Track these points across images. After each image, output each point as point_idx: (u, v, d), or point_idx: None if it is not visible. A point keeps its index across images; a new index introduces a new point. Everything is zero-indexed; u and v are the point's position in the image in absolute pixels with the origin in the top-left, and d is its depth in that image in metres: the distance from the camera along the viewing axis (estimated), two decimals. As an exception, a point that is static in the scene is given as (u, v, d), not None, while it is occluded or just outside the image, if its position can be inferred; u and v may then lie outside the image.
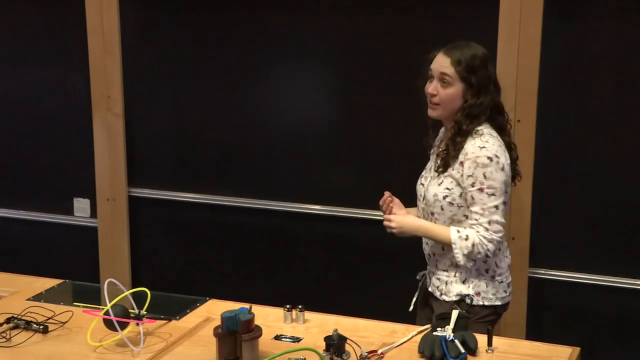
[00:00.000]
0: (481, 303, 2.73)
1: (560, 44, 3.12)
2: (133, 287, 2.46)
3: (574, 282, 3.27)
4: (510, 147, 2.74)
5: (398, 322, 2.47)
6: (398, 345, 2.28)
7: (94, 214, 3.85)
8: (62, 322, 2.38)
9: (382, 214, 2.76)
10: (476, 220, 2.64)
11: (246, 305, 2.26)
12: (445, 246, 2.73)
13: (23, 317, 2.37)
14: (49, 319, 2.38)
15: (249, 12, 3.48)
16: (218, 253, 3.75)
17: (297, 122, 3.46)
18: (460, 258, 2.65)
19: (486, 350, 2.23)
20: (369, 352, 2.20)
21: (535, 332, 3.27)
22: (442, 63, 2.69)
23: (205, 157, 3.67)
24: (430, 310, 2.78)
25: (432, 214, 2.74)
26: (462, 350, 2.17)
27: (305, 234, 3.58)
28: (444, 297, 2.74)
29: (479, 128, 2.67)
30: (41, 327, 2.33)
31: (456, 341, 2.20)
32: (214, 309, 2.50)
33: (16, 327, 2.34)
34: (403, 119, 3.30)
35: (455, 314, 2.31)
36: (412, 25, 3.28)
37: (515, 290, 3.26)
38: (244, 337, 2.10)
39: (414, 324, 2.59)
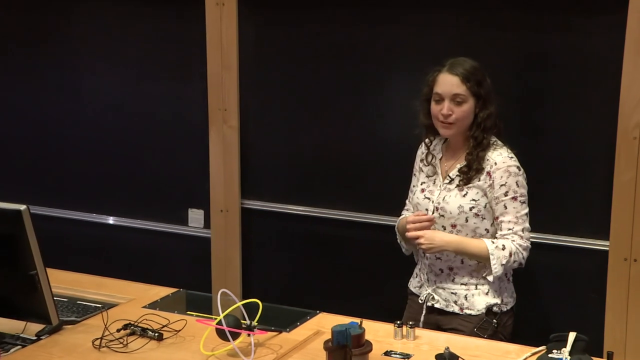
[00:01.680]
0: (505, 309, 2.77)
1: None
2: (243, 298, 2.48)
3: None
4: None
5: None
6: (512, 367, 2.22)
7: (207, 224, 3.92)
8: (176, 330, 2.42)
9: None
10: (510, 229, 2.69)
11: (357, 320, 2.25)
12: (465, 259, 2.73)
13: (139, 324, 2.42)
14: (163, 326, 2.43)
15: (364, 27, 3.48)
16: (329, 266, 3.75)
17: (411, 137, 3.43)
18: (498, 269, 2.68)
19: (606, 376, 2.15)
20: (482, 373, 2.15)
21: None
22: (452, 83, 2.73)
23: (318, 170, 3.69)
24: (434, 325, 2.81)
25: (454, 226, 2.75)
26: (580, 375, 2.09)
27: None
28: (468, 312, 2.75)
29: (493, 140, 2.77)
30: (156, 334, 2.38)
31: (573, 365, 2.12)
32: (324, 322, 2.50)
33: (133, 333, 2.40)
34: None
35: (572, 336, 2.22)
36: (532, 39, 3.20)
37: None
38: (354, 352, 2.09)
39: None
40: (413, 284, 2.97)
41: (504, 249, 2.68)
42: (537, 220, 3.16)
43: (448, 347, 2.17)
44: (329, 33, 3.56)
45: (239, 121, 3.73)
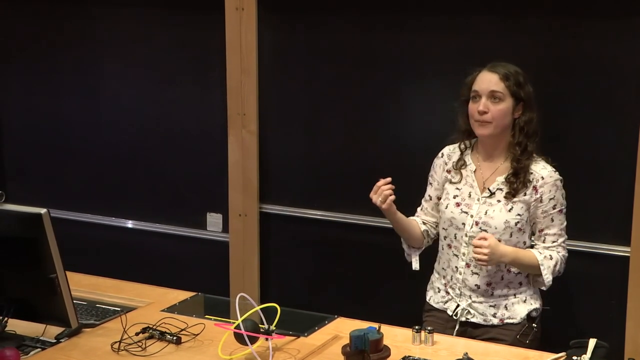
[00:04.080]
0: (540, 312, 2.81)
1: None
2: (261, 302, 2.48)
3: None
4: None
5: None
6: (531, 373, 2.21)
7: (225, 229, 3.92)
8: (194, 334, 2.42)
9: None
10: (554, 241, 2.71)
11: (375, 325, 2.24)
12: (505, 274, 2.73)
13: (158, 328, 2.43)
14: (182, 330, 2.43)
15: (383, 32, 3.48)
16: (347, 271, 3.74)
17: (431, 141, 3.42)
18: (549, 278, 2.70)
19: (626, 383, 2.13)
20: (501, 379, 2.14)
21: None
22: (490, 80, 2.70)
23: (337, 175, 3.69)
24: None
25: (498, 241, 2.70)
26: (600, 382, 2.07)
27: (435, 254, 3.52)
28: (510, 321, 2.75)
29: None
30: (174, 338, 2.38)
31: (593, 371, 2.11)
32: (342, 327, 2.49)
33: (151, 337, 2.40)
34: (542, 140, 3.21)
35: (592, 342, 2.21)
36: (553, 44, 3.19)
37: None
38: (372, 357, 2.09)
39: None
40: (435, 299, 2.90)
41: (551, 258, 2.71)
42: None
43: (467, 353, 2.16)
44: (349, 38, 3.56)
45: (257, 126, 3.73)
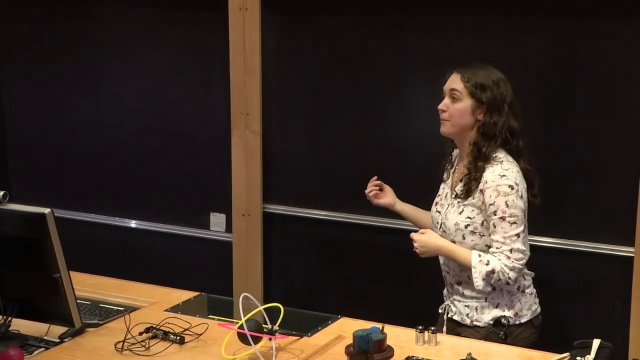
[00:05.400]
0: (518, 321, 2.73)
1: None
2: (265, 302, 2.48)
3: None
4: (526, 172, 2.72)
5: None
6: (535, 373, 2.21)
7: (229, 228, 3.92)
8: (197, 334, 2.43)
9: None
10: (497, 248, 2.65)
11: (378, 325, 2.24)
12: (470, 272, 2.71)
13: (161, 328, 2.43)
14: (185, 330, 2.43)
15: (386, 32, 3.48)
16: (350, 271, 3.74)
17: (432, 142, 3.43)
18: (479, 283, 2.65)
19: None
20: (504, 379, 2.14)
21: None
22: (453, 80, 2.75)
23: (340, 175, 3.69)
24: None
25: (453, 242, 2.74)
26: (604, 382, 2.07)
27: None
28: (477, 323, 2.74)
29: (496, 154, 2.68)
30: (178, 337, 2.38)
31: (597, 372, 2.10)
32: (346, 327, 2.49)
33: (154, 336, 2.41)
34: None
35: (596, 343, 2.21)
36: (557, 43, 3.18)
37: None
38: (375, 357, 2.09)
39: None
40: (444, 292, 2.96)
41: (487, 264, 2.64)
42: (562, 226, 3.15)
43: (470, 353, 2.16)
44: (352, 38, 3.56)
45: (261, 125, 3.73)
